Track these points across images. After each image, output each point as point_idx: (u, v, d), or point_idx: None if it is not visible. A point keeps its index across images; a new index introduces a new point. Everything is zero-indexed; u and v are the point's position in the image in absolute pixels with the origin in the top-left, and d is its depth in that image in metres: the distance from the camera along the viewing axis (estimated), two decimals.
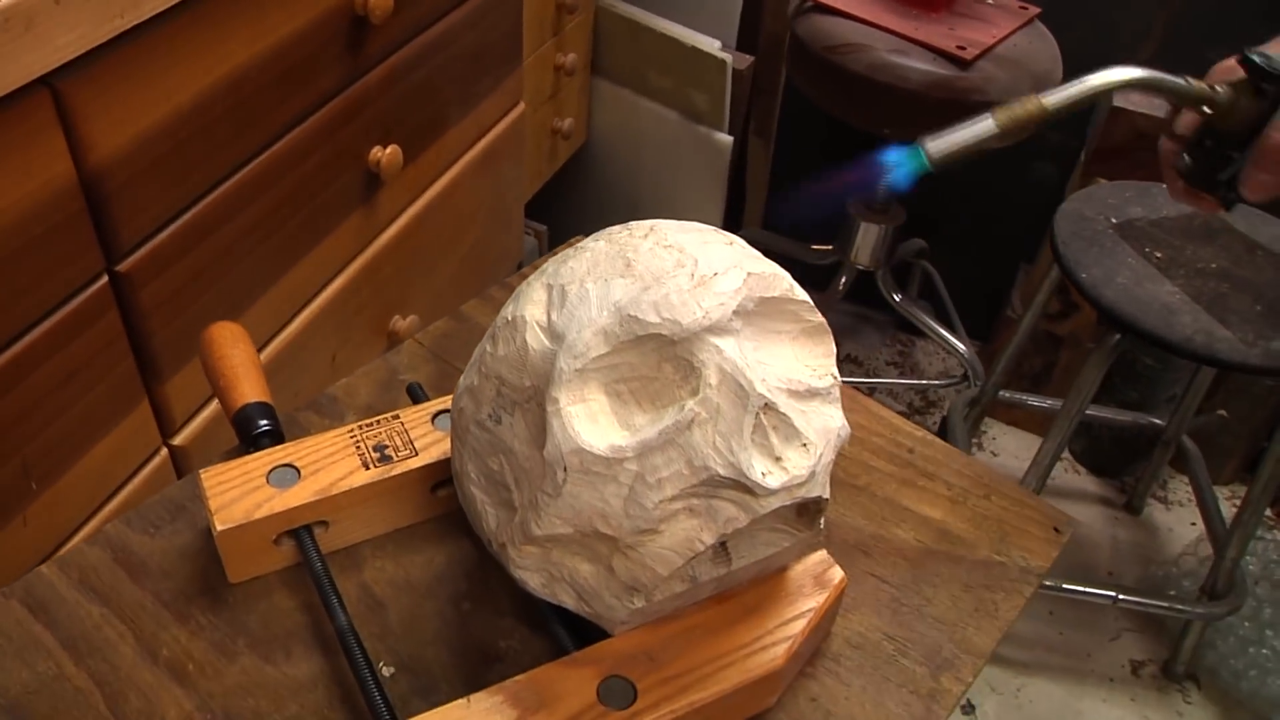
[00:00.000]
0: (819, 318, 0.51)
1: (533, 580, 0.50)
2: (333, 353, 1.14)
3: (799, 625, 0.52)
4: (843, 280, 1.83)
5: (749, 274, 0.48)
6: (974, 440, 1.92)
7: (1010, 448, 1.94)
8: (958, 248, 2.03)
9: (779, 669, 0.51)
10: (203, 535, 0.59)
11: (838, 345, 2.16)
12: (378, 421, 0.61)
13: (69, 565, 0.57)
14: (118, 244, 0.84)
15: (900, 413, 1.99)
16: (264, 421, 0.61)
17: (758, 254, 0.51)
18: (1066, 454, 1.96)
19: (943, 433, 1.74)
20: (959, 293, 2.00)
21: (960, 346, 1.81)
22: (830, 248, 1.85)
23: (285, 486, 0.57)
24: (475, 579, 0.58)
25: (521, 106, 1.41)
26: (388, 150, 1.09)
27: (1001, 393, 1.76)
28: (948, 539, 0.64)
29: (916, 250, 1.96)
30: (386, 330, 1.22)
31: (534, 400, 0.48)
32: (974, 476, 0.68)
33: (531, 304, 0.50)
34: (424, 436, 0.60)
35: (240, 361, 0.64)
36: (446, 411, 0.62)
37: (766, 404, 0.46)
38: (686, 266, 0.48)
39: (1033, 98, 0.71)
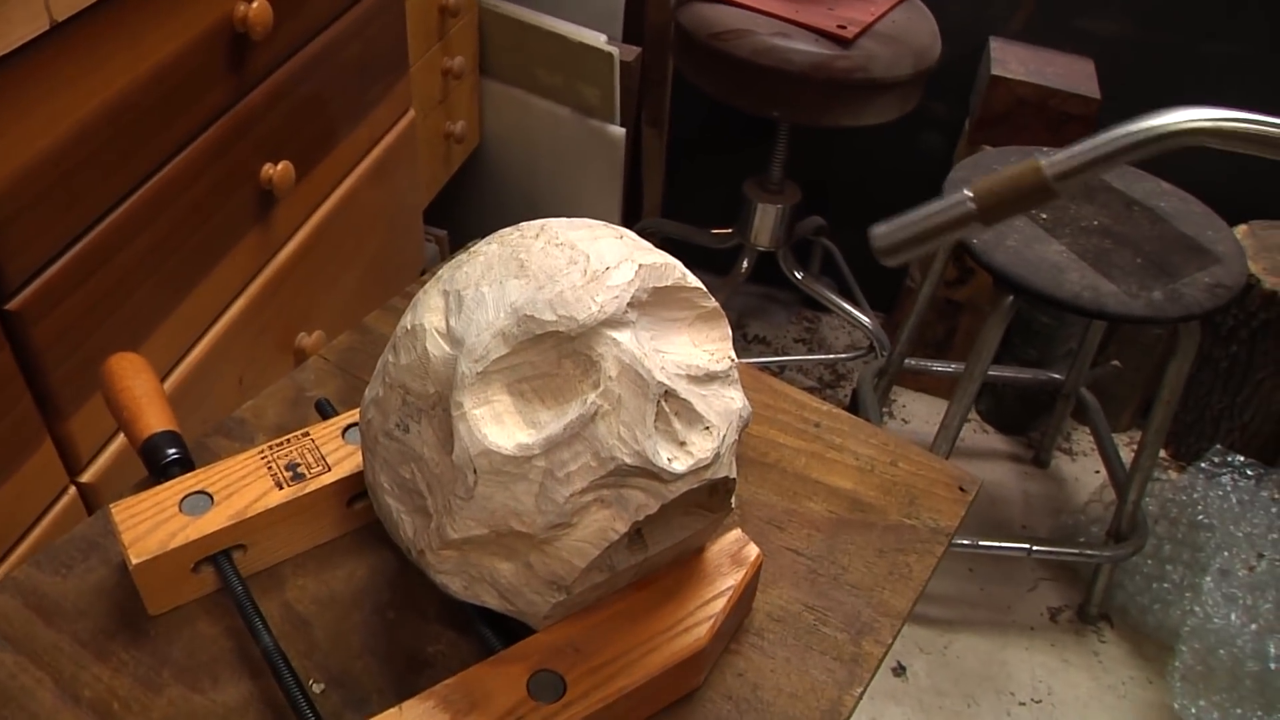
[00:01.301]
0: (713, 303, 0.52)
1: (454, 584, 0.50)
2: (239, 375, 1.12)
3: (720, 604, 0.53)
4: (745, 262, 1.85)
5: (640, 266, 0.49)
6: (885, 409, 1.96)
7: (921, 413, 1.98)
8: (854, 222, 2.07)
9: (703, 648, 0.52)
10: (118, 570, 0.59)
11: (745, 327, 2.19)
12: (288, 440, 0.61)
13: None
14: (5, 281, 0.82)
15: (811, 388, 2.03)
16: (172, 450, 0.60)
17: (648, 245, 0.52)
18: (974, 414, 2.01)
19: (854, 404, 1.78)
20: (860, 267, 2.03)
21: (864, 319, 1.85)
22: (730, 231, 1.87)
23: (199, 513, 0.56)
24: (398, 588, 0.59)
25: (412, 113, 1.40)
26: (279, 167, 1.07)
27: (907, 361, 1.80)
28: (859, 507, 0.66)
29: (815, 228, 1.99)
30: (292, 348, 1.20)
31: (439, 406, 0.49)
32: (880, 445, 0.70)
33: (430, 311, 0.50)
34: (335, 451, 0.60)
35: (143, 392, 0.63)
36: (356, 425, 0.61)
37: (667, 391, 0.47)
38: (579, 263, 0.48)
39: (1031, 163, 0.57)
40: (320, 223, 1.21)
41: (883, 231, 0.62)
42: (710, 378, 0.50)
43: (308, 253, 1.19)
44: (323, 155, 1.19)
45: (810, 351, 2.11)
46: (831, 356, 2.04)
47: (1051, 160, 0.58)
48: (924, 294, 1.63)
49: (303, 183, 1.16)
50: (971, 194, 0.59)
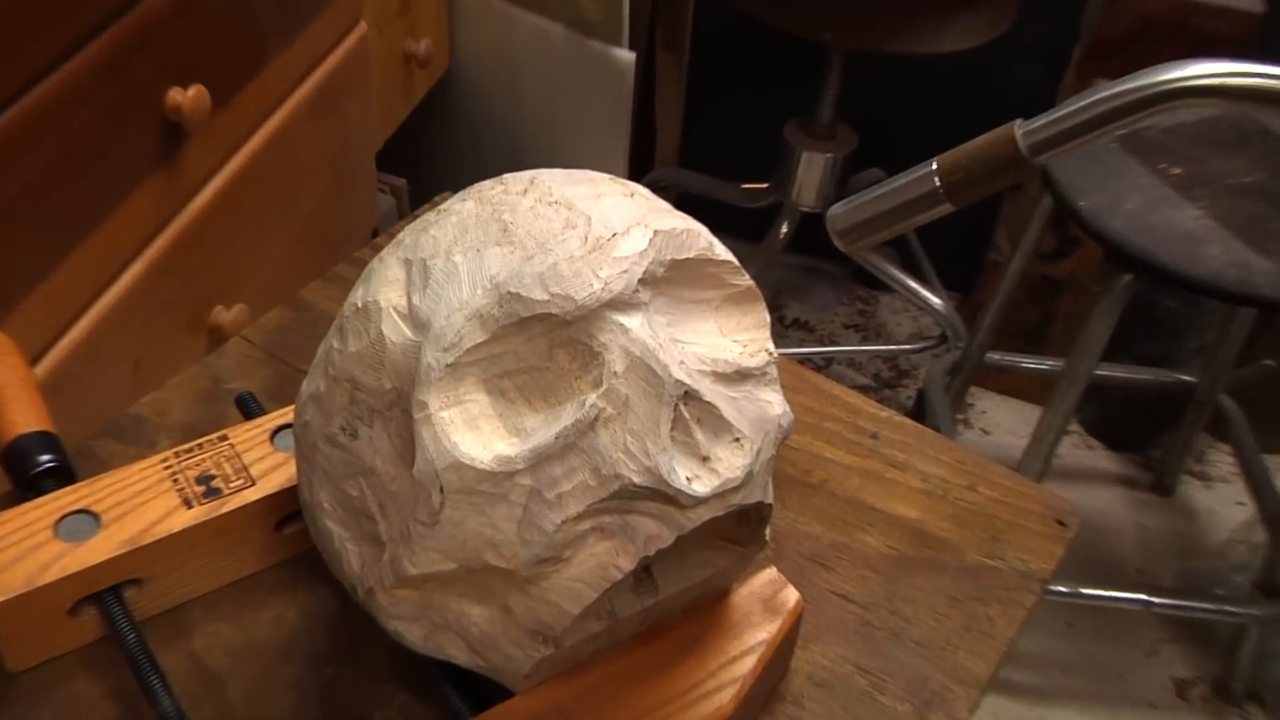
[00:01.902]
0: (747, 280, 0.53)
1: (412, 632, 0.51)
2: (135, 360, 1.13)
3: (748, 663, 0.54)
4: (784, 226, 1.86)
5: (656, 232, 0.49)
6: (959, 417, 1.97)
7: (1005, 422, 1.99)
8: None
9: (727, 719, 0.52)
10: None
11: (783, 308, 2.19)
12: (200, 446, 0.61)
13: None
14: None
15: (864, 388, 2.04)
16: (45, 457, 0.60)
17: (667, 206, 0.53)
18: (1076, 426, 2.02)
19: (919, 410, 1.79)
20: (931, 233, 2.04)
21: (935, 301, 1.86)
22: (766, 186, 1.88)
23: (80, 539, 0.57)
24: (339, 636, 0.59)
25: (363, 28, 1.40)
26: (190, 92, 1.08)
27: (989, 355, 1.81)
28: (926, 543, 0.66)
29: (873, 182, 2.00)
30: (205, 326, 1.21)
31: (397, 406, 0.49)
32: (954, 463, 0.71)
33: (387, 285, 0.51)
34: (262, 461, 0.61)
35: (7, 381, 0.64)
36: (289, 427, 0.62)
37: (687, 392, 0.48)
38: (578, 228, 0.49)
39: (1006, 129, 0.60)
40: (243, 166, 1.22)
41: (840, 211, 0.65)
42: (742, 376, 0.51)
43: (227, 204, 1.20)
44: (247, 79, 1.20)
45: (865, 341, 2.12)
46: (893, 348, 2.05)
47: (1029, 127, 0.59)
48: (1013, 269, 1.64)
49: (220, 114, 1.16)
50: (936, 165, 0.61)
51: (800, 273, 2.22)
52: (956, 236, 2.11)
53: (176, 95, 1.08)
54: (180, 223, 1.15)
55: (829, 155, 1.79)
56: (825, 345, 2.10)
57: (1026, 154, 0.59)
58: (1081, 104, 0.58)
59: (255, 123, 1.24)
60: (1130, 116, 0.56)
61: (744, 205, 1.96)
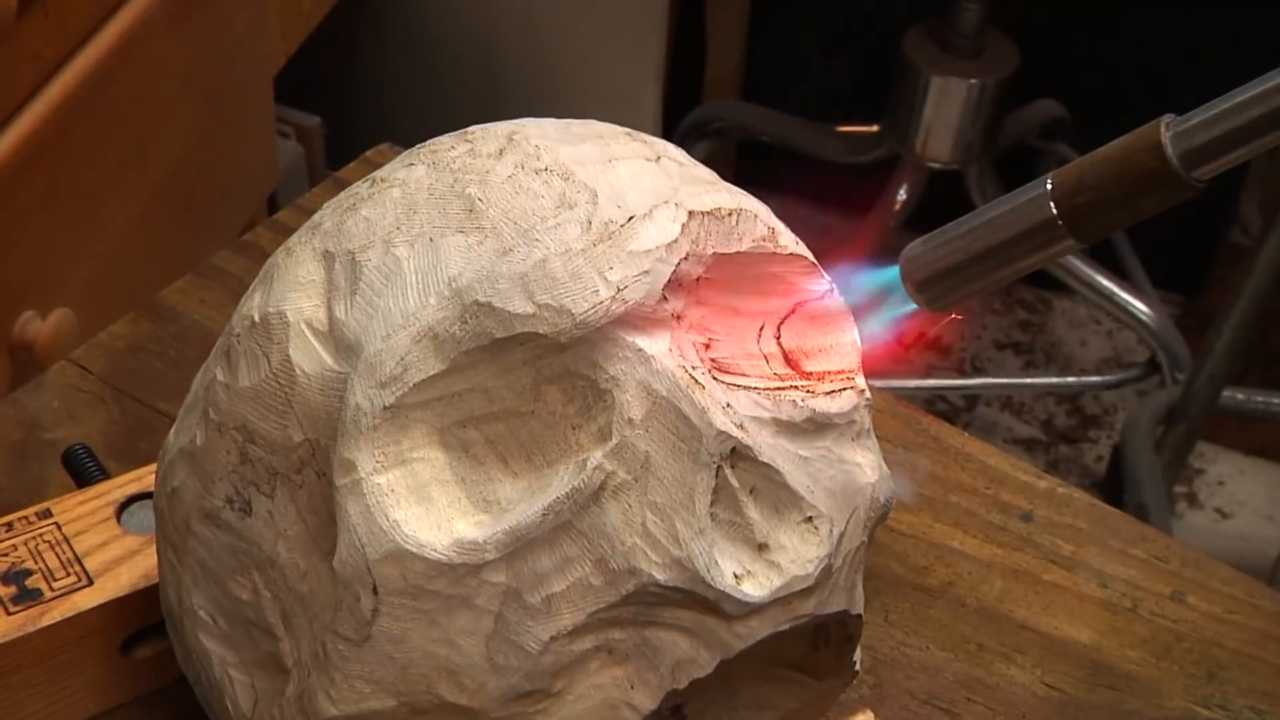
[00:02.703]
0: (823, 281, 0.55)
1: None
2: None
3: None
4: (902, 190, 1.87)
5: (691, 214, 0.52)
6: (1180, 489, 1.97)
7: (1255, 499, 1.98)
8: (1127, 116, 2.07)
9: None
10: None
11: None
12: (7, 526, 0.64)
13: None
14: None
15: (1027, 443, 2.03)
16: None
17: (709, 175, 0.55)
18: None
19: (1114, 479, 1.78)
20: None
21: (1140, 308, 1.86)
22: (875, 130, 1.88)
23: None
24: None
25: None
26: None
27: (1227, 393, 1.80)
28: (1105, 680, 0.69)
29: (1046, 123, 2.00)
30: (8, 340, 1.22)
31: (310, 467, 0.52)
32: (1151, 559, 0.73)
33: (296, 289, 0.53)
34: (103, 549, 0.63)
35: None
36: (145, 498, 0.65)
37: (735, 449, 0.50)
38: (578, 207, 0.51)
39: (1150, 129, 0.58)
40: (67, 96, 1.23)
41: (919, 254, 0.62)
42: (818, 426, 0.53)
43: (40, 154, 1.21)
44: None
45: (1031, 369, 2.12)
46: (1074, 380, 2.04)
47: (1183, 126, 0.58)
48: (1266, 261, 1.64)
49: (33, 14, 1.17)
50: (1051, 185, 0.59)
51: None
52: (1174, 208, 2.11)
53: None
54: None
55: (973, 81, 1.79)
56: (967, 375, 2.09)
57: (1180, 166, 0.58)
58: (1263, 89, 0.57)
59: (85, 29, 1.24)
60: None
61: (840, 159, 1.96)
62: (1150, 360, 1.90)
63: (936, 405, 2.05)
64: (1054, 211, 0.59)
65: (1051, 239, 0.59)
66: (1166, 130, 0.57)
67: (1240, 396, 1.83)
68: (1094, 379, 2.03)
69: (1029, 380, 2.05)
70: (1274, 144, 0.57)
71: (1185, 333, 1.90)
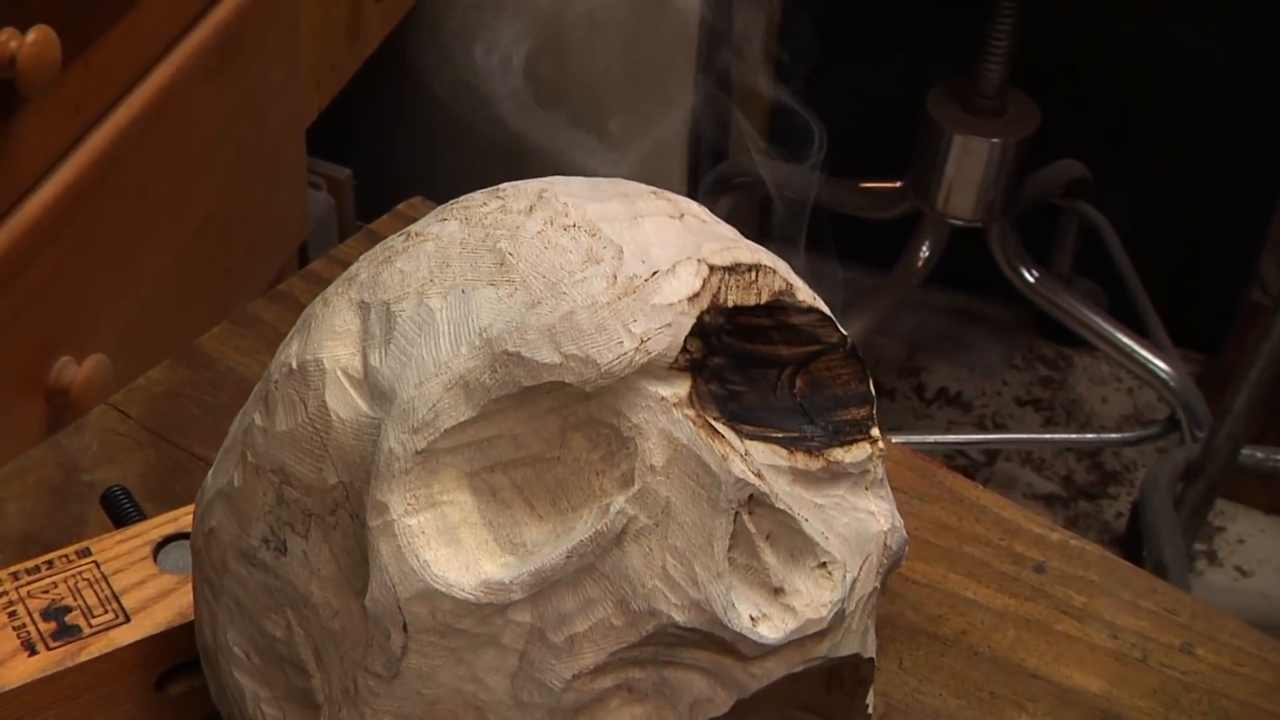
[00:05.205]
0: (838, 334, 0.57)
1: None
2: None
3: None
4: (924, 247, 1.87)
5: (713, 269, 0.54)
6: (1199, 547, 1.96)
7: (1275, 555, 1.96)
8: (1147, 176, 2.07)
9: None
10: None
11: (922, 371, 2.17)
12: (49, 564, 0.65)
13: None
14: None
15: (1047, 498, 2.02)
16: None
17: (731, 232, 0.57)
18: None
19: (1133, 535, 1.78)
20: (1151, 261, 2.03)
21: (1160, 366, 1.86)
22: (898, 186, 1.89)
23: None
24: None
25: None
26: (30, 37, 1.10)
27: (1247, 451, 1.80)
28: None
29: (1068, 183, 2.00)
30: (44, 386, 1.23)
31: (344, 509, 0.53)
32: (1162, 611, 0.74)
33: (333, 338, 0.55)
34: (140, 587, 0.64)
35: None
36: (182, 538, 0.66)
37: (752, 496, 0.52)
38: (604, 262, 0.53)
39: None
40: (106, 148, 1.23)
41: None
42: (833, 475, 0.55)
43: (80, 204, 1.22)
44: (114, 20, 1.23)
45: (1051, 426, 2.11)
46: (1094, 436, 2.04)
47: None
48: None
49: (75, 69, 1.19)
50: None
51: (950, 318, 2.21)
52: (1194, 264, 2.11)
53: (10, 41, 1.11)
54: (8, 230, 1.17)
55: (995, 140, 1.80)
56: (988, 431, 2.09)
57: None
58: None
59: (124, 83, 1.26)
60: None
61: (863, 214, 1.96)
62: (1170, 417, 1.91)
63: (956, 460, 2.04)
64: None
65: None
66: None
67: (1260, 455, 1.83)
68: (1114, 436, 2.04)
69: (1049, 436, 2.05)
70: None
71: (1205, 390, 1.90)
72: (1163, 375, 1.87)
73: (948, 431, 2.08)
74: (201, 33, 1.33)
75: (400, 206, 0.89)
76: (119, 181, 1.27)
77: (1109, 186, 2.05)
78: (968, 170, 1.82)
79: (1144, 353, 1.88)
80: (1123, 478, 2.07)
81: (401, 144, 2.04)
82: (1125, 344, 1.88)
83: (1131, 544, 1.80)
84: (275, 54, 1.44)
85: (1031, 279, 1.90)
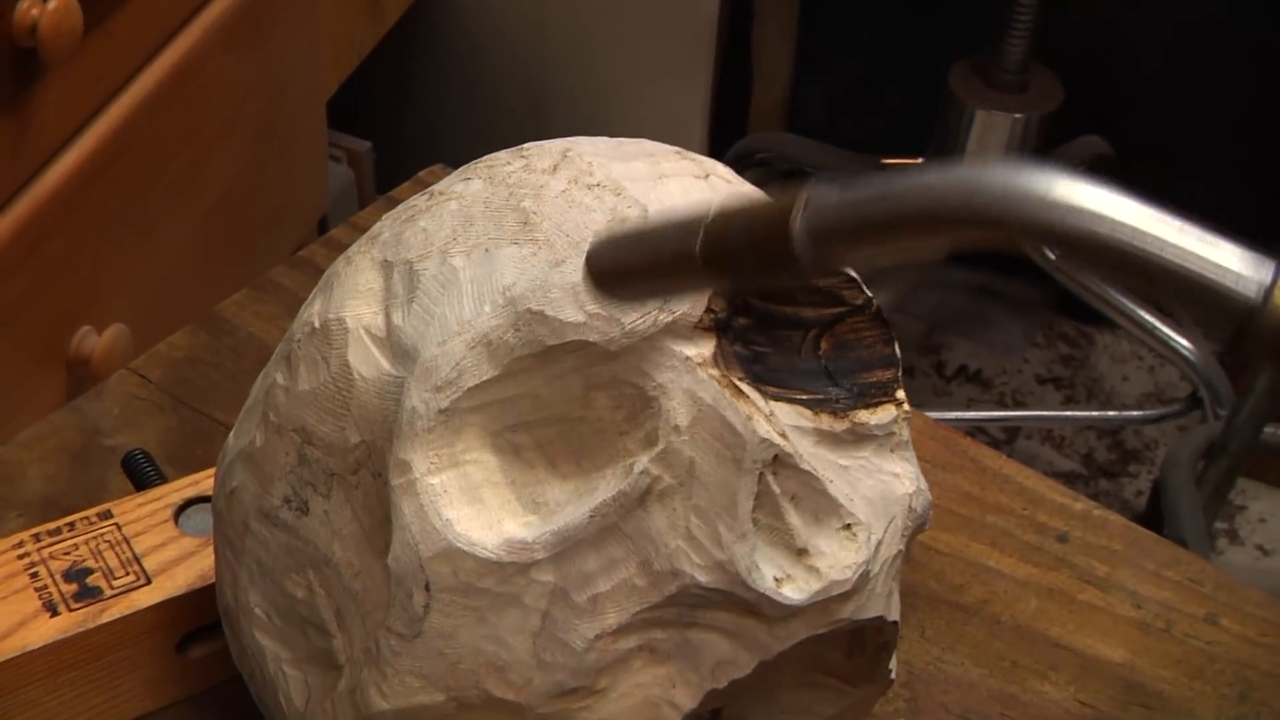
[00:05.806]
0: (863, 296, 0.57)
1: None
2: None
3: None
4: None
5: None
6: (1220, 525, 1.97)
7: None
8: (1170, 152, 2.07)
9: None
10: None
11: (943, 349, 2.17)
12: (70, 526, 0.65)
13: None
14: None
15: (1068, 476, 2.02)
16: None
17: (757, 193, 0.57)
18: None
19: (1154, 511, 1.78)
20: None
21: (1183, 344, 1.86)
22: (919, 162, 1.89)
23: None
24: None
25: None
26: (51, 5, 1.11)
27: (1269, 430, 1.80)
28: (1138, 698, 0.69)
29: (1091, 159, 2.00)
30: (65, 355, 1.23)
31: (366, 468, 0.53)
32: (1185, 582, 0.74)
33: (356, 297, 0.55)
34: (161, 549, 0.65)
35: None
36: (203, 500, 0.66)
37: (777, 456, 0.52)
38: (629, 221, 0.52)
39: (784, 198, 0.48)
40: (125, 118, 1.24)
41: (603, 246, 0.54)
42: (858, 437, 0.54)
43: (100, 174, 1.22)
44: None
45: (1072, 404, 2.11)
46: (1115, 414, 2.04)
47: (816, 202, 0.48)
48: None
49: (95, 38, 1.19)
50: (711, 215, 0.51)
51: (971, 295, 2.21)
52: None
53: (31, 8, 1.11)
54: (29, 200, 1.17)
55: (1017, 115, 1.80)
56: (1008, 408, 2.09)
57: (799, 241, 0.47)
58: (880, 192, 0.47)
59: (145, 53, 1.26)
60: (931, 230, 0.47)
61: None
62: (1192, 395, 1.90)
63: (977, 438, 2.04)
64: (697, 247, 0.50)
65: (692, 273, 0.50)
66: (802, 205, 0.47)
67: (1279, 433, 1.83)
68: (1135, 414, 2.03)
69: (1070, 414, 2.05)
70: (889, 246, 0.47)
71: (1227, 369, 1.90)
72: (1185, 353, 1.87)
73: (968, 409, 2.08)
74: (222, 3, 1.34)
75: (421, 174, 0.88)
76: (139, 151, 1.27)
77: (1132, 162, 2.04)
78: (990, 146, 1.81)
79: (1166, 330, 1.87)
80: (1144, 456, 2.07)
81: (421, 117, 2.04)
82: (1147, 321, 1.88)
83: (1152, 522, 1.79)
84: (295, 27, 1.45)
85: (1053, 256, 1.90)
